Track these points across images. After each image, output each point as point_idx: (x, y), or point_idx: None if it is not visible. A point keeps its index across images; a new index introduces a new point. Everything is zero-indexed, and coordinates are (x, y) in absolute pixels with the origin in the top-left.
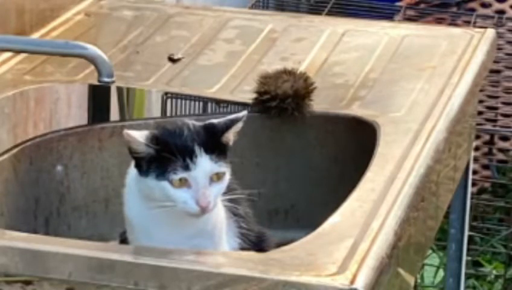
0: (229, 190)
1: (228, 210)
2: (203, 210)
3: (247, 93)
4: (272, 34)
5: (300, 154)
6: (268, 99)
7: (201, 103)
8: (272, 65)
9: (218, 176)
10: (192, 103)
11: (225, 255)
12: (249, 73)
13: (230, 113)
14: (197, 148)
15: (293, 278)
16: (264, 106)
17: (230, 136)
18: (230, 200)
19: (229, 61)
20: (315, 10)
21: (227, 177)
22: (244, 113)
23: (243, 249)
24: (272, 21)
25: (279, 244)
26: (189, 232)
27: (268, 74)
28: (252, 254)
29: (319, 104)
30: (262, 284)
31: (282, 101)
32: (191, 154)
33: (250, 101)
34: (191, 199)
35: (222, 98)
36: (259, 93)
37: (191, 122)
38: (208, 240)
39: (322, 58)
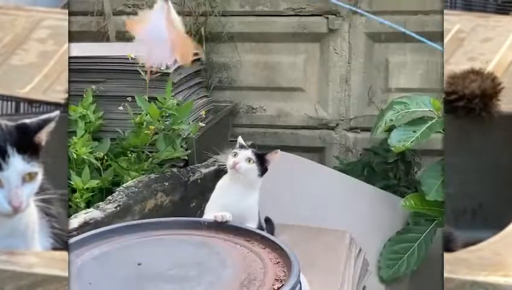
0: (41, 190)
1: (41, 210)
2: (16, 210)
3: (60, 93)
4: (459, 34)
5: (487, 154)
6: (455, 99)
7: (13, 103)
8: (460, 65)
9: (31, 176)
10: (5, 102)
11: (38, 255)
12: (61, 73)
13: (43, 113)
14: (9, 148)
15: (481, 278)
16: (451, 106)
17: (43, 136)
18: (42, 200)
19: (42, 61)
20: (502, 10)
21: (40, 177)
22: (57, 113)
23: (55, 249)
24: (459, 21)
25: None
26: (1, 232)
27: (456, 74)
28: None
29: (506, 104)
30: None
31: (470, 101)
32: (3, 154)
33: (62, 101)
34: (3, 198)
35: (35, 98)
36: (447, 93)
37: (3, 122)
38: (21, 240)
39: (509, 58)
